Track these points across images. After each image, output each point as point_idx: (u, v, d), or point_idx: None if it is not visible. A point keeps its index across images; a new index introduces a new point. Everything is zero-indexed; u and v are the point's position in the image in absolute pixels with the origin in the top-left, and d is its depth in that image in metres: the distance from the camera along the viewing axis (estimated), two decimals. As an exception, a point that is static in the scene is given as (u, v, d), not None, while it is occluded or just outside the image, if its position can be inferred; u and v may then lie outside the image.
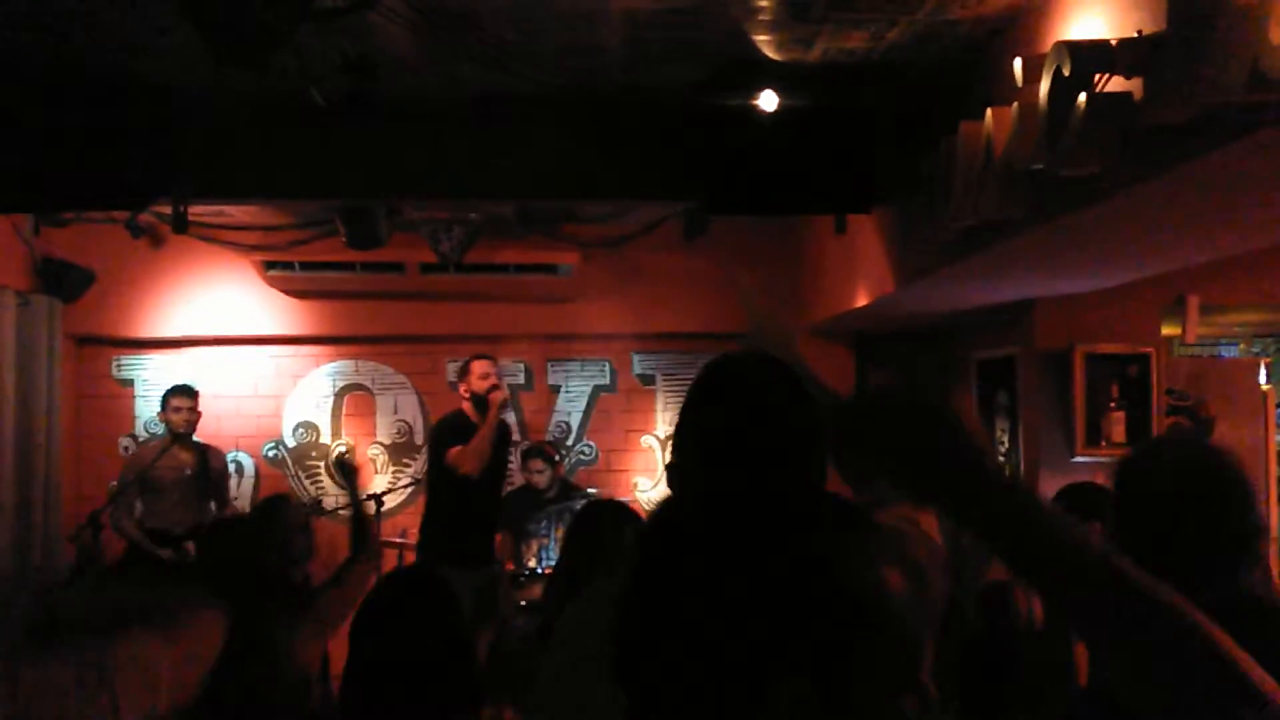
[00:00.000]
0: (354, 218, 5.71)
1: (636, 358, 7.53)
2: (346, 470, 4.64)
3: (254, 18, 2.95)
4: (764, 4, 3.74)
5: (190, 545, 5.79)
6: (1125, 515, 1.92)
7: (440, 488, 5.63)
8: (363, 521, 4.00)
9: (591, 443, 7.48)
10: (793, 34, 4.02)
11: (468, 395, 5.61)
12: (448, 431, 5.63)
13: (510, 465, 6.16)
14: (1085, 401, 5.35)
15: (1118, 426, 5.34)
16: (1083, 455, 5.28)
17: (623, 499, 6.99)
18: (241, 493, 7.19)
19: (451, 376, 7.43)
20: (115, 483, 6.28)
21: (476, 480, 5.48)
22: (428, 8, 3.80)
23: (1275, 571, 5.31)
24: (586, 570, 2.87)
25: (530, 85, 4.57)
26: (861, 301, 5.90)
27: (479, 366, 5.60)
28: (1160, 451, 2.08)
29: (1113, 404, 5.32)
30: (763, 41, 4.11)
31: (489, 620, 5.39)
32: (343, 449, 6.53)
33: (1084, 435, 5.32)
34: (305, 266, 6.90)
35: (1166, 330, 5.31)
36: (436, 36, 4.11)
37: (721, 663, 0.84)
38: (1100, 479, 4.57)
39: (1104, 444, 5.29)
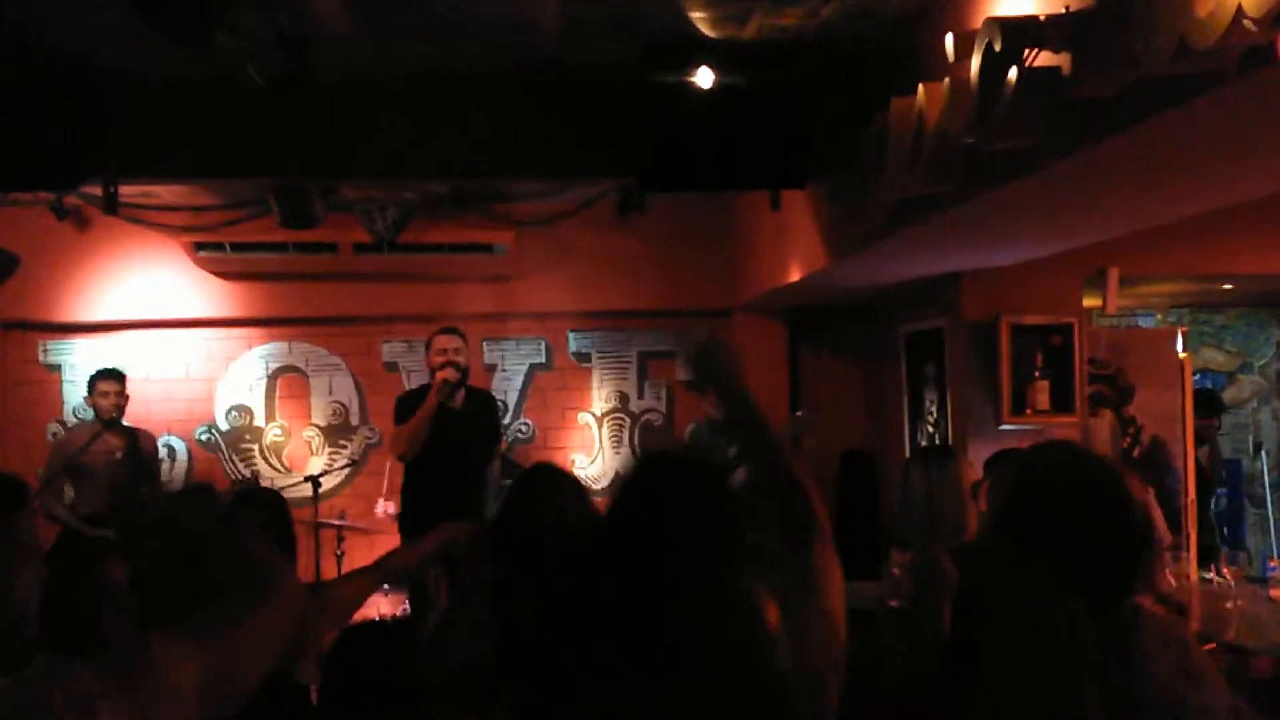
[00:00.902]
0: (288, 197, 5.65)
1: (572, 336, 7.56)
2: None
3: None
4: (700, -20, 3.78)
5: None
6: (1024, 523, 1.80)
7: (409, 463, 5.49)
8: None
9: (529, 421, 7.51)
10: (727, 10, 4.07)
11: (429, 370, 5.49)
12: (400, 407, 5.51)
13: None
14: (1011, 371, 5.50)
15: (1042, 395, 5.51)
16: (1009, 423, 5.45)
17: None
18: (174, 477, 7.09)
19: (387, 357, 7.41)
20: (43, 469, 6.15)
21: (446, 456, 5.31)
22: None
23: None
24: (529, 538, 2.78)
25: (466, 62, 4.57)
26: (794, 277, 6.00)
27: (437, 341, 5.37)
28: (1052, 465, 1.91)
29: (1037, 373, 5.48)
30: (698, 18, 4.16)
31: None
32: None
33: (1010, 404, 5.48)
34: (236, 248, 6.80)
35: (1088, 301, 5.48)
36: (372, 12, 4.10)
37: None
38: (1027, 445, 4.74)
39: (1029, 412, 5.46)
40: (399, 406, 5.49)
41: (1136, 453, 5.55)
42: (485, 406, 5.61)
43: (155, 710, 1.36)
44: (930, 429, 6.40)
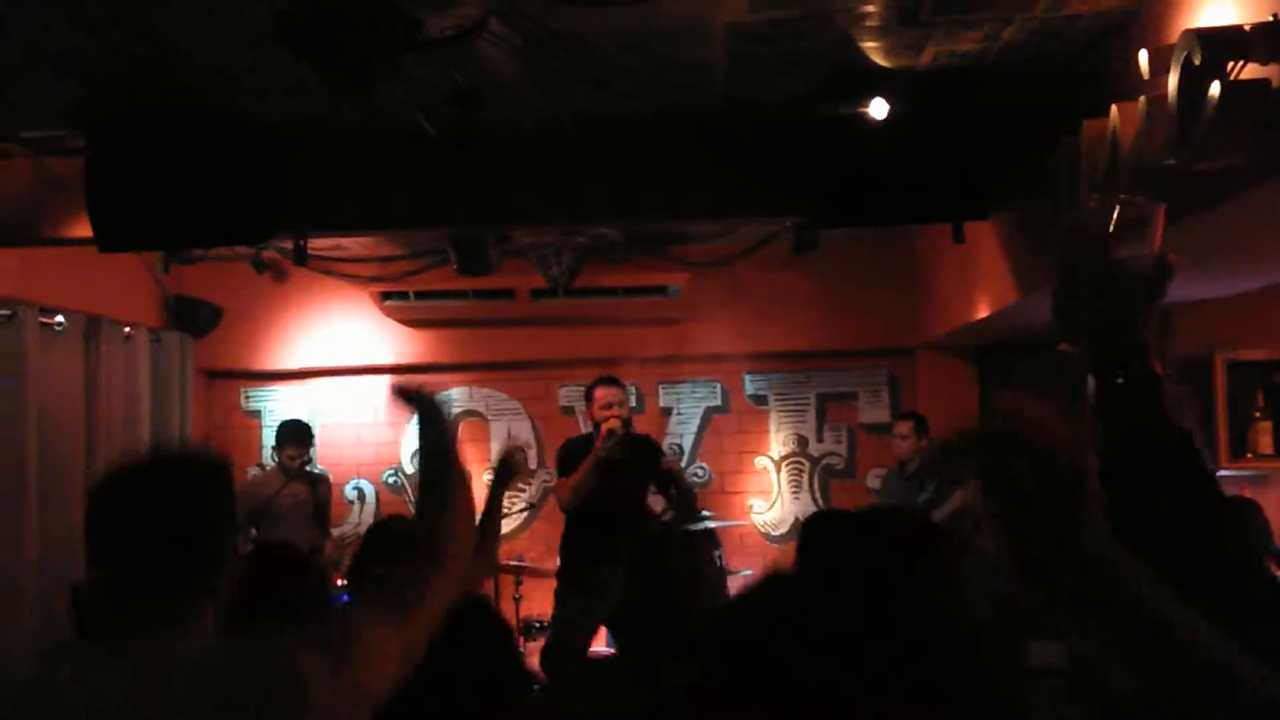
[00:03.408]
0: (464, 245, 5.77)
1: (748, 378, 7.44)
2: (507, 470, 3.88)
3: (359, 49, 2.99)
4: (870, 9, 3.65)
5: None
6: None
7: (569, 517, 5.44)
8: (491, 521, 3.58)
9: (704, 465, 7.40)
10: (901, 39, 3.92)
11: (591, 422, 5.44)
12: (563, 456, 5.48)
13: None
14: (1228, 411, 5.08)
15: (1265, 437, 5.06)
16: (1228, 468, 5.02)
17: (732, 524, 6.85)
18: (364, 520, 7.31)
19: (563, 401, 7.46)
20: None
21: (601, 506, 5.23)
22: (533, 32, 3.81)
23: None
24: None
25: (635, 105, 4.55)
26: (982, 313, 5.71)
27: (599, 394, 5.30)
28: None
29: (1258, 413, 5.05)
30: (870, 48, 4.02)
31: None
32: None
33: (1228, 447, 5.05)
34: (420, 296, 7.00)
35: (1314, 334, 5.01)
36: (542, 60, 4.12)
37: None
38: (1246, 493, 4.32)
39: (1250, 456, 5.02)
40: (561, 456, 5.44)
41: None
42: (645, 454, 5.42)
43: (365, 677, 1.57)
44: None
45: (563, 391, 7.43)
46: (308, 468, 6.44)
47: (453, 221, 5.34)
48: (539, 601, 6.26)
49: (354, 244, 6.70)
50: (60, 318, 5.59)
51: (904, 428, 6.25)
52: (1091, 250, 1.25)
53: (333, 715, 1.51)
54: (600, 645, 5.99)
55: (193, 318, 6.84)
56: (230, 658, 1.55)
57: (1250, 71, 2.55)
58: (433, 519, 1.85)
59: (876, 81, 4.22)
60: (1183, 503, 1.23)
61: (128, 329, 6.13)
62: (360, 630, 1.64)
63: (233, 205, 4.56)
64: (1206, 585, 1.19)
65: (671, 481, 5.62)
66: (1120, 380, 1.26)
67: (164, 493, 1.65)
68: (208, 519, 1.67)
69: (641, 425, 7.20)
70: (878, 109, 4.25)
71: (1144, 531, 1.21)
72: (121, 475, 1.70)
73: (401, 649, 1.65)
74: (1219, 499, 1.26)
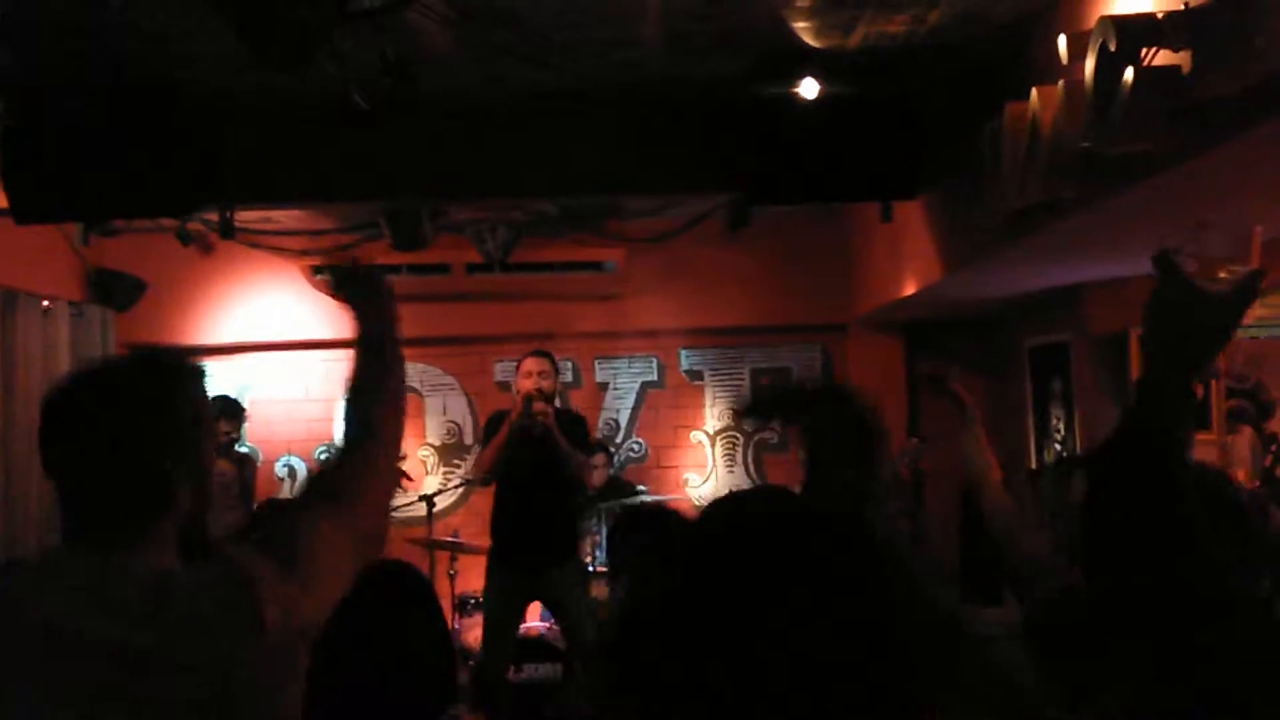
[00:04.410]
0: (398, 219, 5.73)
1: (684, 353, 7.50)
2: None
3: (290, 19, 2.97)
4: (802, -10, 3.70)
5: None
6: None
7: (496, 491, 5.47)
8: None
9: (641, 440, 7.46)
10: (832, 20, 3.98)
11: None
12: (486, 427, 5.51)
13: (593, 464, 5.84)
14: (1142, 386, 5.24)
15: (1176, 411, 5.22)
16: (1140, 441, 5.17)
17: (668, 498, 6.95)
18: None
19: (499, 376, 7.45)
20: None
21: (525, 480, 5.28)
22: (467, 6, 3.80)
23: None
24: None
25: (571, 81, 4.56)
26: (909, 290, 5.83)
27: (525, 364, 5.36)
28: None
29: (1170, 388, 5.21)
30: (802, 29, 4.08)
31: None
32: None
33: (1141, 421, 5.21)
34: (352, 270, 6.94)
35: (1224, 312, 5.18)
36: (476, 35, 4.12)
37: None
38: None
39: (1163, 430, 5.18)
40: (485, 427, 5.51)
41: (1278, 471, 5.21)
42: (567, 427, 5.39)
43: (314, 572, 1.59)
44: (1058, 447, 6.13)
45: (498, 367, 7.42)
46: (236, 446, 6.38)
47: (387, 194, 5.31)
48: (475, 578, 6.27)
49: (284, 217, 6.61)
50: (-26, 291, 5.45)
51: None
52: (1182, 281, 1.28)
53: (285, 619, 1.51)
54: (534, 621, 6.04)
55: (115, 291, 6.69)
56: (184, 576, 1.53)
57: (1163, 58, 2.65)
58: (365, 406, 1.86)
59: (808, 62, 4.28)
60: (1156, 505, 1.25)
61: (46, 302, 5.95)
62: (302, 527, 1.63)
63: (157, 176, 4.46)
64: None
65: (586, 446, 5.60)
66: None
67: (112, 404, 1.57)
68: (161, 431, 1.58)
69: (578, 400, 7.27)
70: (809, 89, 4.31)
71: (1117, 529, 1.26)
72: (71, 385, 1.62)
73: (348, 537, 1.65)
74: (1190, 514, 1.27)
